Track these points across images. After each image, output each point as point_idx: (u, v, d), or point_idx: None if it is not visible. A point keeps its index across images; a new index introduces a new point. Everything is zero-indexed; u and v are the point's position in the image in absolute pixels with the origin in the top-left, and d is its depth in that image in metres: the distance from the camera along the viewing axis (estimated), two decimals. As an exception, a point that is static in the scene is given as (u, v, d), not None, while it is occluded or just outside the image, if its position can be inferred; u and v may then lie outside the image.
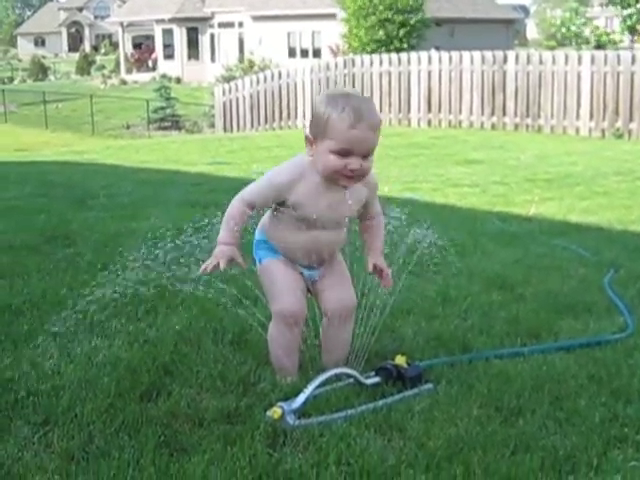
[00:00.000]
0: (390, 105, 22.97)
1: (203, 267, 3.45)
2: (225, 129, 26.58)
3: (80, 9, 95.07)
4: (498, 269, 5.65)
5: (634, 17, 26.57)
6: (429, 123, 22.36)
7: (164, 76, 49.53)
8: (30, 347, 3.94)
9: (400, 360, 3.65)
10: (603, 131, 18.66)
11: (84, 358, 3.79)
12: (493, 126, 20.98)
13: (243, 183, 3.76)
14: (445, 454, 2.93)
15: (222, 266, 3.42)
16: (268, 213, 3.71)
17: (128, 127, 38.15)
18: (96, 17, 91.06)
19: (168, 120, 37.37)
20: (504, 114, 20.79)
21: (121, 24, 57.36)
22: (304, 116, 24.05)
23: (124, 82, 53.55)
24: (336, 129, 3.37)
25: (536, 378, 3.64)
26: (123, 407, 3.26)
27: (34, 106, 43.87)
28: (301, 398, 3.27)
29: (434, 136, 19.53)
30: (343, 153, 3.39)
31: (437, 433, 3.08)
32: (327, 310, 3.72)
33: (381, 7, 31.54)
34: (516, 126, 20.52)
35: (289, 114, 25.21)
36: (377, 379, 3.60)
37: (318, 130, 3.44)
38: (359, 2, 31.95)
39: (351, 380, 3.55)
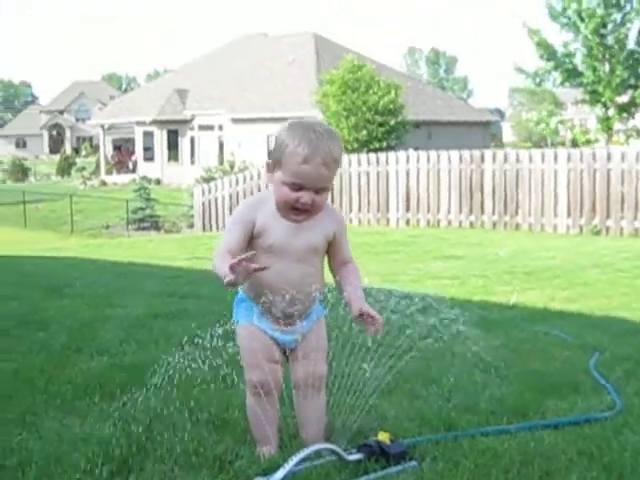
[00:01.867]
0: (369, 204, 23.03)
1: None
2: (204, 229, 26.56)
3: (61, 112, 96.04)
4: (481, 352, 5.53)
5: (613, 117, 27.03)
6: (408, 222, 22.40)
7: (144, 178, 49.66)
8: (-4, 426, 3.78)
9: (383, 437, 3.52)
10: (581, 228, 18.73)
11: (54, 435, 3.64)
12: (471, 224, 21.03)
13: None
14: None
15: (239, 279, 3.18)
16: None
17: (107, 227, 38.07)
18: (77, 120, 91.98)
19: (147, 221, 37.33)
20: (482, 212, 20.86)
21: (102, 126, 57.80)
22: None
23: (104, 183, 53.72)
24: (289, 162, 3.35)
25: (524, 454, 3.51)
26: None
27: (13, 206, 43.86)
28: (280, 473, 3.13)
29: (413, 234, 19.54)
30: (295, 186, 3.36)
31: (423, 508, 2.94)
32: (295, 381, 3.61)
33: (364, 108, 32.01)
34: (494, 224, 20.57)
35: (268, 213, 25.20)
36: (359, 456, 3.46)
37: (276, 158, 3.41)
38: (343, 104, 32.42)
39: (333, 457, 3.41)
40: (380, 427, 3.69)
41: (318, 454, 3.40)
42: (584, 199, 18.66)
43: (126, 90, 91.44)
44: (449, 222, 21.53)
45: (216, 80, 49.08)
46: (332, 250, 3.64)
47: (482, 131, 46.81)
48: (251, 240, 3.46)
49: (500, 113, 73.53)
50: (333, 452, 3.40)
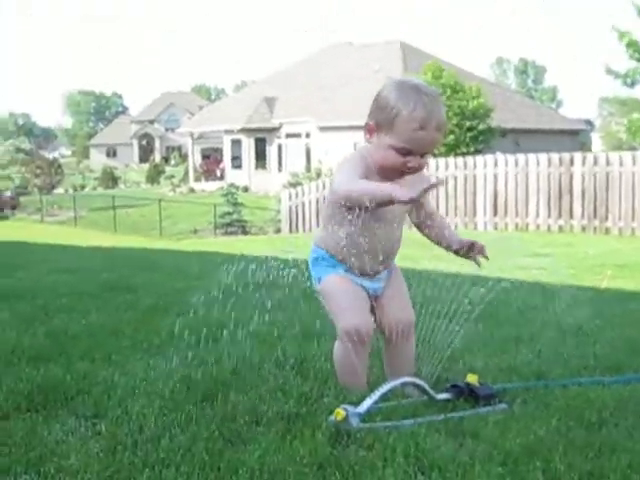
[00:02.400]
0: (456, 209, 22.83)
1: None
2: (291, 232, 26.66)
3: (151, 122, 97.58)
4: (572, 321, 5.40)
5: None
6: (495, 226, 22.13)
7: (232, 185, 50.13)
8: (83, 361, 3.80)
9: (472, 379, 3.44)
10: (674, 232, 18.29)
11: (139, 371, 3.64)
12: (560, 229, 20.68)
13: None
14: (523, 453, 2.69)
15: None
16: (323, 227, 3.54)
17: (195, 231, 38.47)
18: (167, 129, 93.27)
19: (235, 225, 37.61)
20: (571, 216, 20.49)
21: (191, 134, 58.51)
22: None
23: (192, 190, 54.36)
24: (403, 128, 3.25)
25: (618, 399, 3.38)
26: (176, 407, 3.08)
27: (103, 211, 44.70)
28: (367, 402, 3.07)
29: (501, 237, 19.31)
30: (404, 151, 3.28)
31: (514, 437, 2.85)
32: (386, 326, 3.52)
33: (450, 113, 31.83)
34: (583, 228, 20.19)
35: (355, 216, 25.18)
36: (448, 395, 3.38)
37: (383, 122, 3.30)
38: (429, 109, 32.29)
39: (422, 396, 3.34)
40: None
41: (407, 395, 3.34)
42: (677, 201, 18.20)
43: (215, 101, 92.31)
44: (537, 226, 21.20)
45: (303, 89, 49.30)
46: (418, 204, 3.54)
47: (571, 140, 45.99)
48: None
49: (589, 124, 72.31)
50: (422, 390, 3.33)
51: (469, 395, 3.37)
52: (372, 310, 3.55)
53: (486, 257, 3.52)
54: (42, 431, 2.81)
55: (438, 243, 3.63)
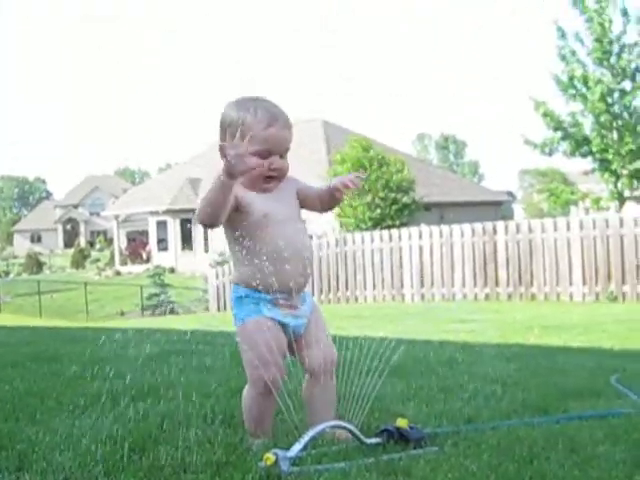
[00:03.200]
0: (383, 281, 22.94)
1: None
2: (219, 311, 26.48)
3: (75, 206, 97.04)
4: (499, 372, 5.44)
5: (623, 185, 27.03)
6: (423, 297, 22.26)
7: (158, 267, 49.86)
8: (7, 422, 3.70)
9: (402, 423, 3.42)
10: (597, 295, 18.56)
11: (65, 428, 3.55)
12: (487, 297, 20.88)
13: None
14: (455, 486, 2.68)
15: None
16: (234, 265, 3.55)
17: (122, 313, 38.07)
18: (91, 214, 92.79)
19: (162, 306, 37.29)
20: (497, 284, 20.72)
21: (116, 217, 58.24)
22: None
23: (118, 273, 53.91)
24: (254, 131, 3.32)
25: (548, 437, 3.39)
26: (102, 459, 3.01)
27: (29, 297, 43.98)
28: (297, 446, 3.03)
29: (428, 307, 19.42)
30: (263, 154, 3.36)
31: (445, 472, 2.84)
32: (312, 367, 3.48)
33: (378, 186, 32.23)
34: (509, 295, 20.41)
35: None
36: (378, 439, 3.36)
37: (233, 137, 3.29)
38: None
39: (351, 441, 3.31)
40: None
41: (337, 437, 3.31)
42: (599, 266, 18.53)
43: (139, 183, 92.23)
44: (464, 295, 21.39)
45: (228, 168, 49.49)
46: (304, 198, 3.60)
47: (494, 211, 46.77)
48: (239, 221, 3.39)
49: (511, 195, 73.79)
50: (351, 433, 3.30)
51: (400, 438, 3.35)
52: (291, 349, 3.49)
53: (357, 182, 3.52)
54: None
55: (327, 205, 3.62)
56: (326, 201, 3.59)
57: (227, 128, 3.41)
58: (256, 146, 3.32)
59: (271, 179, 3.44)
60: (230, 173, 3.19)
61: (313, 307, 3.59)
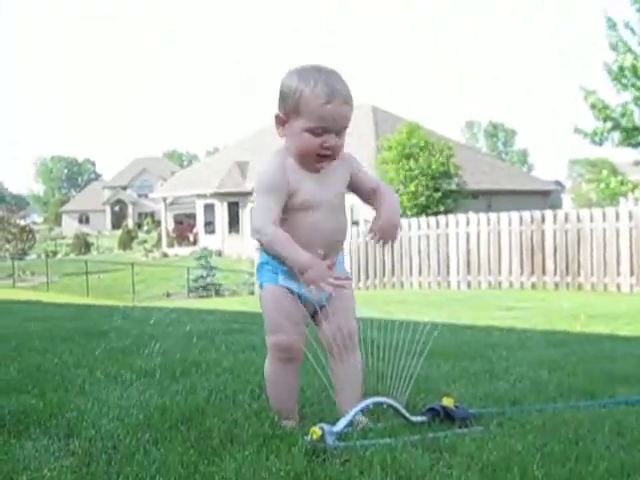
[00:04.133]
0: (429, 268, 22.89)
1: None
2: (264, 293, 26.59)
3: (124, 188, 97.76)
4: (546, 357, 5.42)
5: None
6: (469, 285, 22.18)
7: (205, 249, 50.16)
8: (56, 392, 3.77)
9: (448, 402, 3.42)
10: (645, 286, 18.40)
11: (113, 398, 3.61)
12: (533, 285, 20.75)
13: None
14: (501, 463, 2.68)
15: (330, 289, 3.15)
16: None
17: (168, 295, 38.39)
18: (139, 195, 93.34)
19: (208, 288, 37.51)
20: (544, 273, 20.58)
21: (164, 200, 58.58)
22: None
23: (165, 255, 54.30)
24: (311, 106, 3.22)
25: (595, 420, 3.38)
26: (150, 429, 3.05)
27: (76, 276, 44.47)
28: (343, 421, 3.05)
29: (474, 294, 19.35)
30: (318, 131, 3.24)
31: (491, 450, 2.84)
32: (326, 339, 3.38)
33: (421, 175, 32.14)
34: (556, 285, 20.27)
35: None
36: (423, 418, 3.36)
37: (290, 108, 3.26)
38: (402, 172, 32.50)
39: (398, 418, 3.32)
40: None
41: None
42: (648, 256, 18.34)
43: (187, 166, 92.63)
44: (510, 283, 21.27)
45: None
46: (356, 185, 3.51)
47: (542, 201, 46.43)
48: (290, 197, 3.32)
49: (560, 185, 73.11)
50: (396, 411, 3.31)
51: (445, 417, 3.36)
52: (315, 320, 3.44)
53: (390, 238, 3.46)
54: (14, 448, 2.77)
55: (369, 204, 3.57)
56: (369, 202, 3.53)
57: (286, 96, 3.30)
58: (310, 123, 3.23)
59: (323, 158, 3.30)
60: (303, 279, 3.15)
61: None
